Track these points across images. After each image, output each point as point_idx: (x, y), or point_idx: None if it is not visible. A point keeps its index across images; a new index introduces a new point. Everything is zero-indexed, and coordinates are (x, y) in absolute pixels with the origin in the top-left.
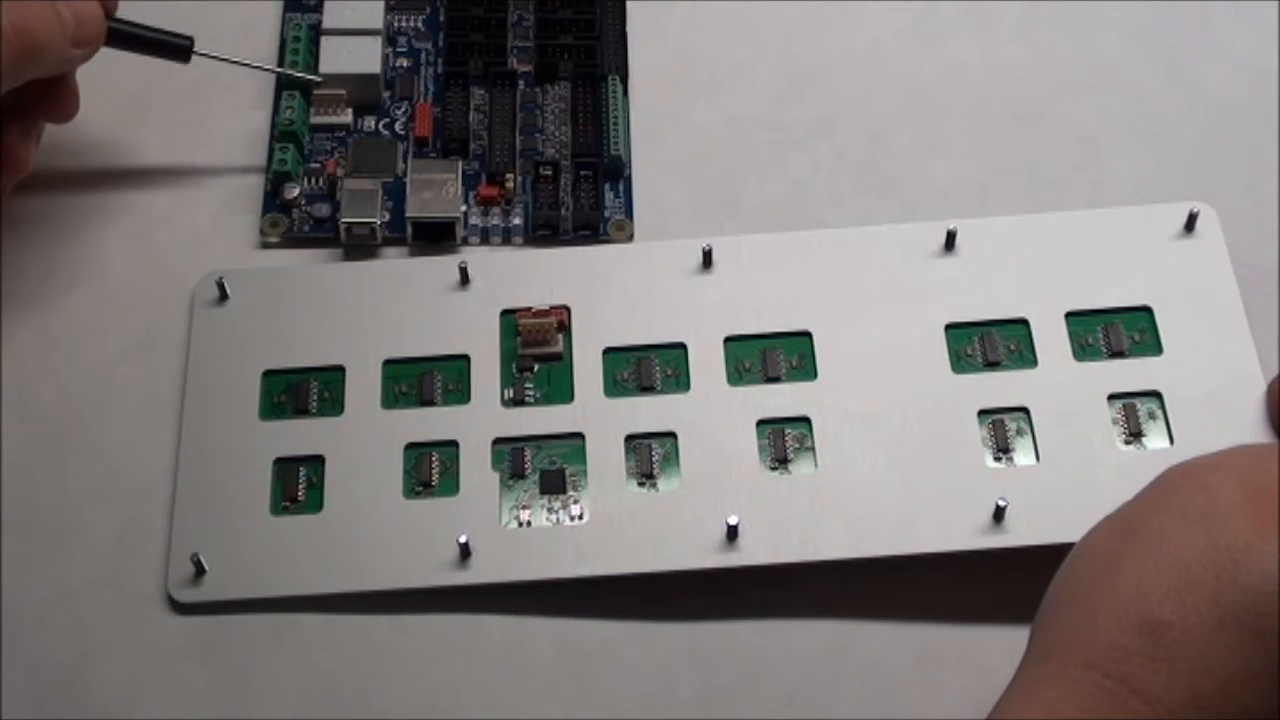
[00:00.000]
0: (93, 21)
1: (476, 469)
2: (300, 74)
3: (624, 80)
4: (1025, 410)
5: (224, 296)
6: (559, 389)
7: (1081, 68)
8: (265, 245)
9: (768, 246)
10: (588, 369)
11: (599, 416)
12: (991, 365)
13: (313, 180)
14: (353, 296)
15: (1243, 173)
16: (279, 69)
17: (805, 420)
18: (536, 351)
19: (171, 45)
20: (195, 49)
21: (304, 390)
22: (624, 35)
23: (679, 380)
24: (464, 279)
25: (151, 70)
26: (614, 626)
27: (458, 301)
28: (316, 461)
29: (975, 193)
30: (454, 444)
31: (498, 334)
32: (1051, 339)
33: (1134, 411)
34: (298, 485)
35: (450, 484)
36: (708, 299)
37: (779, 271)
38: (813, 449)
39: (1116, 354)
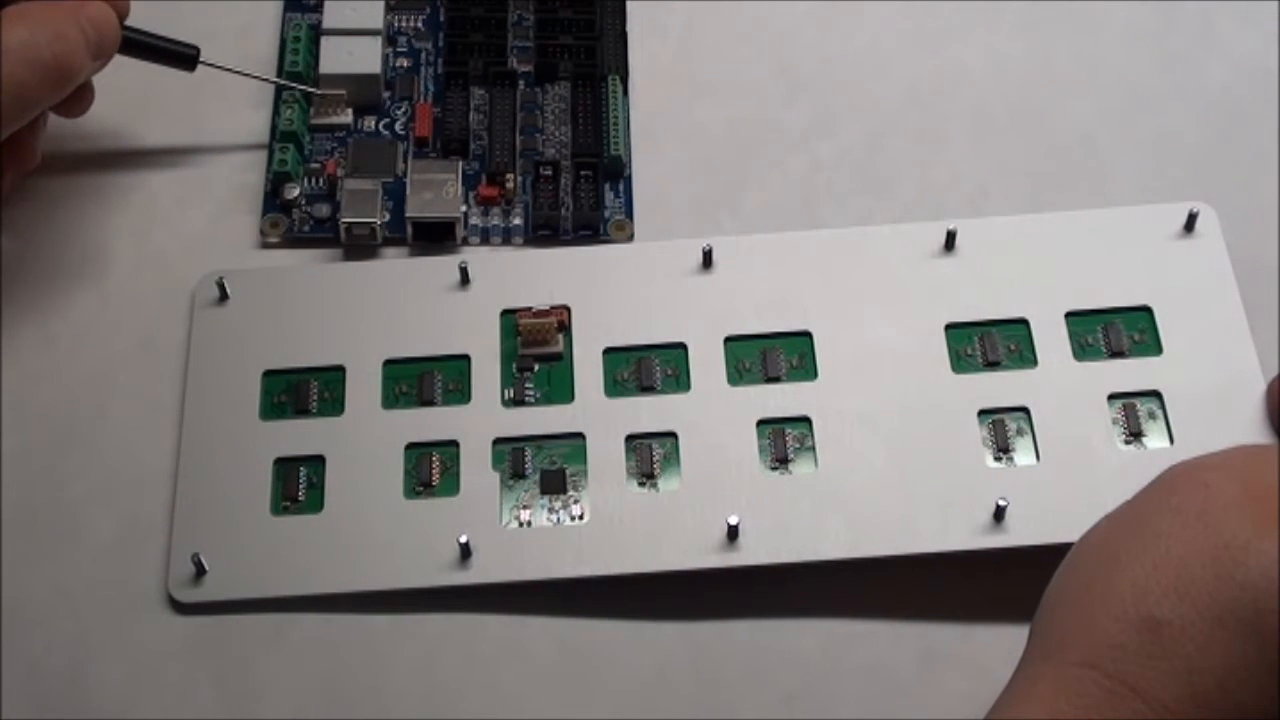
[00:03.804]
0: (110, 32)
1: (477, 469)
2: (303, 87)
3: (624, 80)
4: (1025, 410)
5: (224, 296)
6: (559, 389)
7: (1081, 68)
8: (265, 245)
9: (768, 246)
10: (588, 369)
11: (599, 416)
12: (991, 365)
13: (313, 180)
14: (353, 296)
15: (1243, 173)
16: (281, 81)
17: (805, 420)
18: (536, 351)
19: (177, 54)
20: (201, 59)
21: (304, 390)
22: (624, 35)
23: (679, 380)
24: (464, 279)
25: (152, 71)
26: (614, 626)
27: (458, 301)
28: (317, 461)
29: (975, 193)
30: (454, 444)
31: (498, 334)
32: (1051, 339)
33: (1134, 411)
34: (298, 485)
35: (451, 484)
36: (708, 299)
37: (779, 271)
38: (813, 449)
39: (1116, 354)
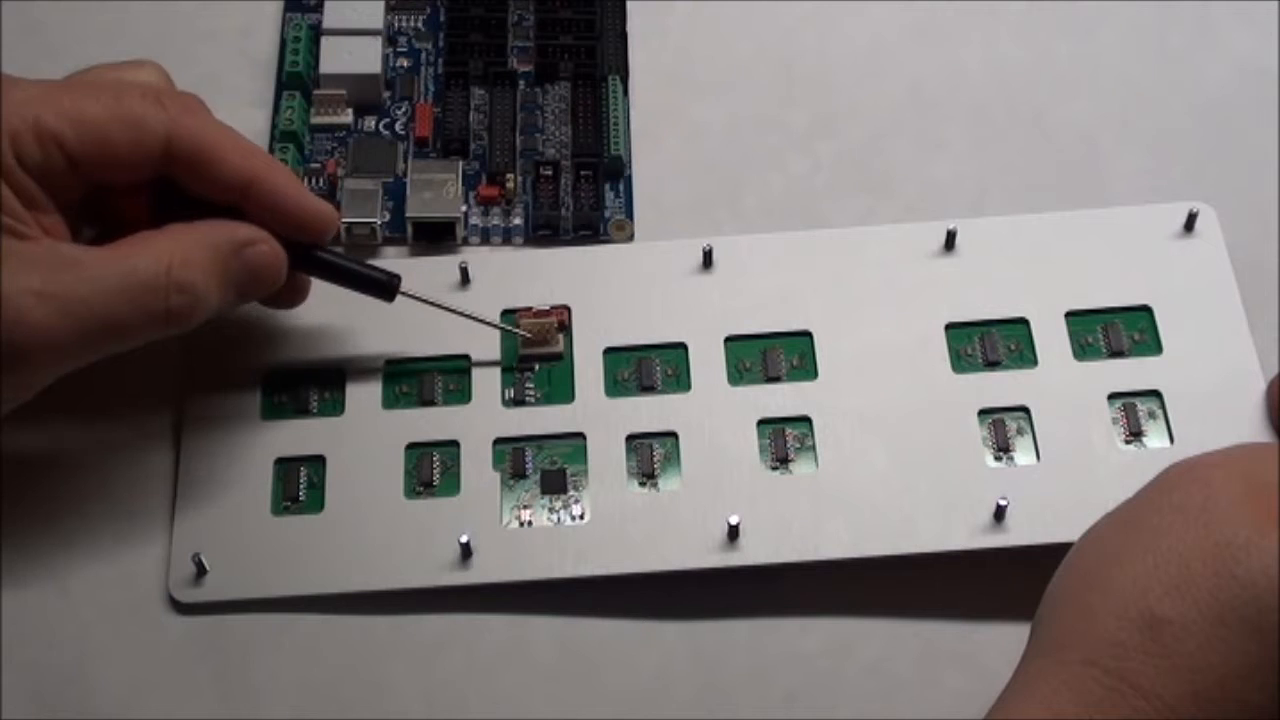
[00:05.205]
0: (268, 275)
1: (477, 469)
2: (513, 329)
3: (624, 80)
4: (1025, 410)
5: None
6: (559, 389)
7: (1081, 68)
8: None
9: (768, 246)
10: (588, 369)
11: (600, 416)
12: (991, 365)
13: (313, 180)
14: (353, 296)
15: (1243, 173)
16: (477, 317)
17: (806, 420)
18: (537, 351)
19: (376, 282)
20: (401, 289)
21: (304, 390)
22: (624, 35)
23: (679, 380)
24: (464, 279)
25: None
26: (614, 626)
27: (458, 301)
28: (317, 462)
29: (975, 193)
30: (455, 444)
31: (498, 334)
32: (1051, 339)
33: (1134, 411)
34: (299, 485)
35: (451, 484)
36: (708, 299)
37: (779, 271)
38: (813, 449)
39: (1116, 353)
